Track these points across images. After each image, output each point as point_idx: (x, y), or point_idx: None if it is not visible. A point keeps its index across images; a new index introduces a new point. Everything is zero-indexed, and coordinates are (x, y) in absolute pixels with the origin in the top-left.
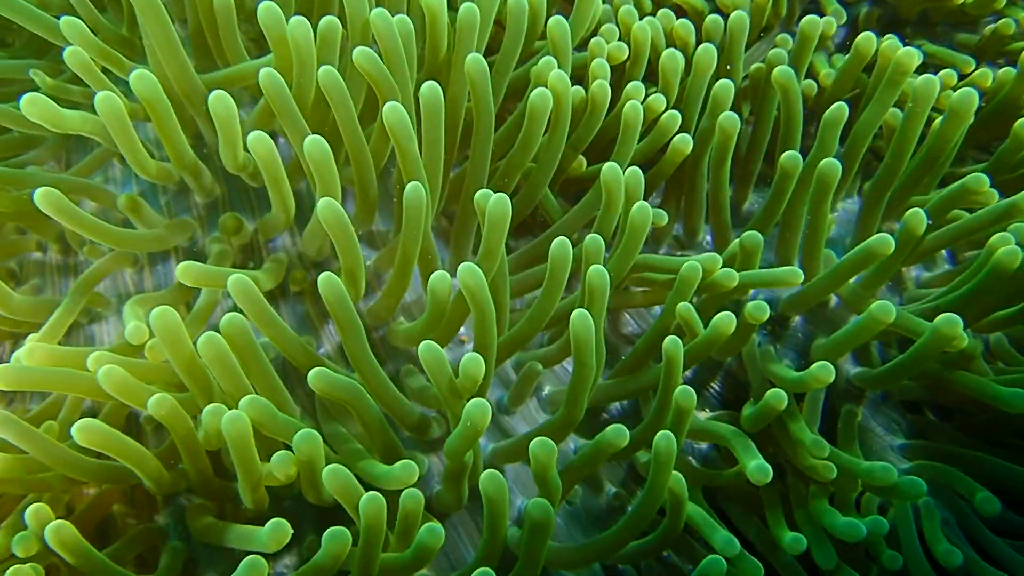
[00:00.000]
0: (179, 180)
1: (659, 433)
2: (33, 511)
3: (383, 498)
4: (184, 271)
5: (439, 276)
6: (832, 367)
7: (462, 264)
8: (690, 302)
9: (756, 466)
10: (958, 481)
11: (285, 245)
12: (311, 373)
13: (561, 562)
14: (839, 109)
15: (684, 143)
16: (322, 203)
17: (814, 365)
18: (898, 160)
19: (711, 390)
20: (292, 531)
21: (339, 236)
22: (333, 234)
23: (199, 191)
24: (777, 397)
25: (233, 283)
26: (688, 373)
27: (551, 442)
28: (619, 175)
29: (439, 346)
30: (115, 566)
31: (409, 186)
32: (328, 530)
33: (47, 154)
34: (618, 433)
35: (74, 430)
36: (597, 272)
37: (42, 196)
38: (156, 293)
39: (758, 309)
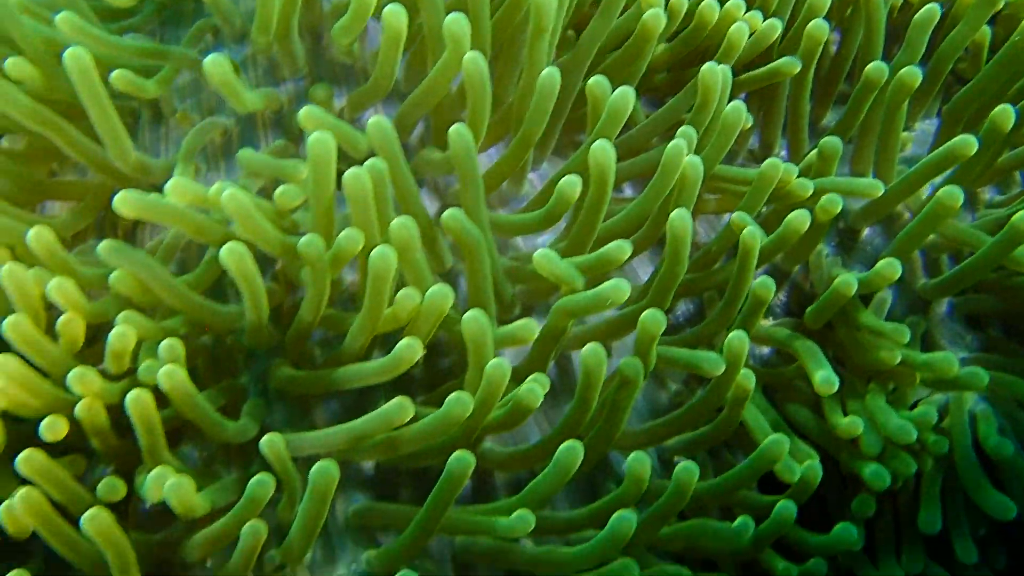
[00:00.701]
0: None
1: (732, 333)
2: (167, 346)
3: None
4: (307, 116)
5: None
6: (898, 263)
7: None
8: (760, 211)
9: (823, 376)
10: (1020, 388)
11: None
12: (446, 213)
13: (617, 444)
14: (930, 11)
15: (791, 65)
16: None
17: (880, 262)
18: (991, 81)
19: (776, 300)
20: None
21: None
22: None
23: (288, 65)
24: (846, 283)
25: (372, 126)
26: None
27: (661, 314)
28: (718, 75)
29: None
30: (214, 413)
31: None
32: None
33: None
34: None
35: (223, 252)
36: (693, 164)
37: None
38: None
39: (831, 203)
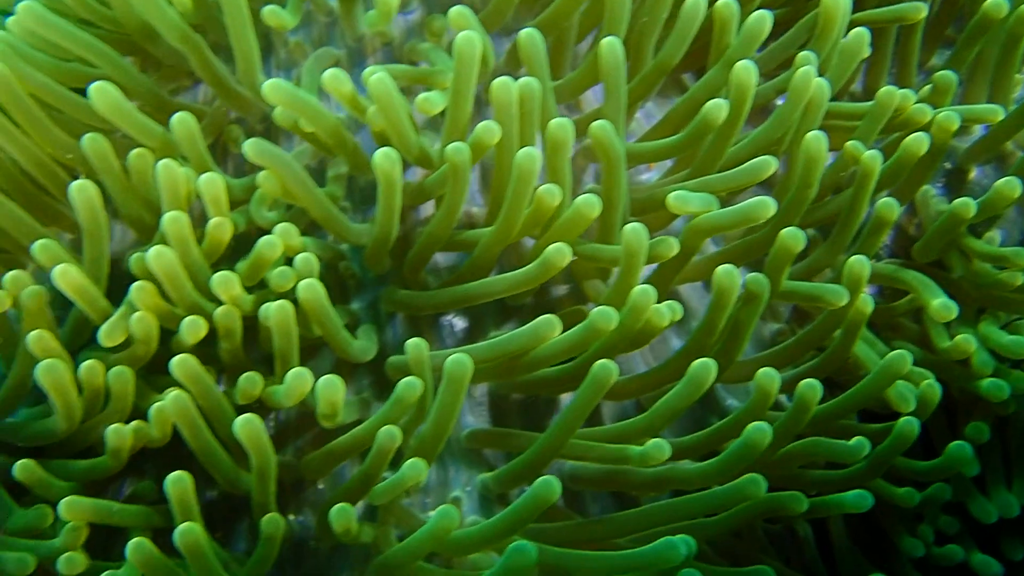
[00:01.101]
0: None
1: (853, 257)
2: (304, 259)
3: None
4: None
5: None
6: (1017, 181)
7: None
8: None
9: (941, 303)
10: None
11: None
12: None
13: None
14: None
15: (916, 11)
16: None
17: (998, 181)
18: None
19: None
20: None
21: None
22: None
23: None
24: (964, 204)
25: (524, 36)
26: None
27: (801, 233)
28: (840, 4)
29: None
30: (343, 330)
31: None
32: None
33: None
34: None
35: (376, 157)
36: (821, 87)
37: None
38: None
39: (948, 120)
